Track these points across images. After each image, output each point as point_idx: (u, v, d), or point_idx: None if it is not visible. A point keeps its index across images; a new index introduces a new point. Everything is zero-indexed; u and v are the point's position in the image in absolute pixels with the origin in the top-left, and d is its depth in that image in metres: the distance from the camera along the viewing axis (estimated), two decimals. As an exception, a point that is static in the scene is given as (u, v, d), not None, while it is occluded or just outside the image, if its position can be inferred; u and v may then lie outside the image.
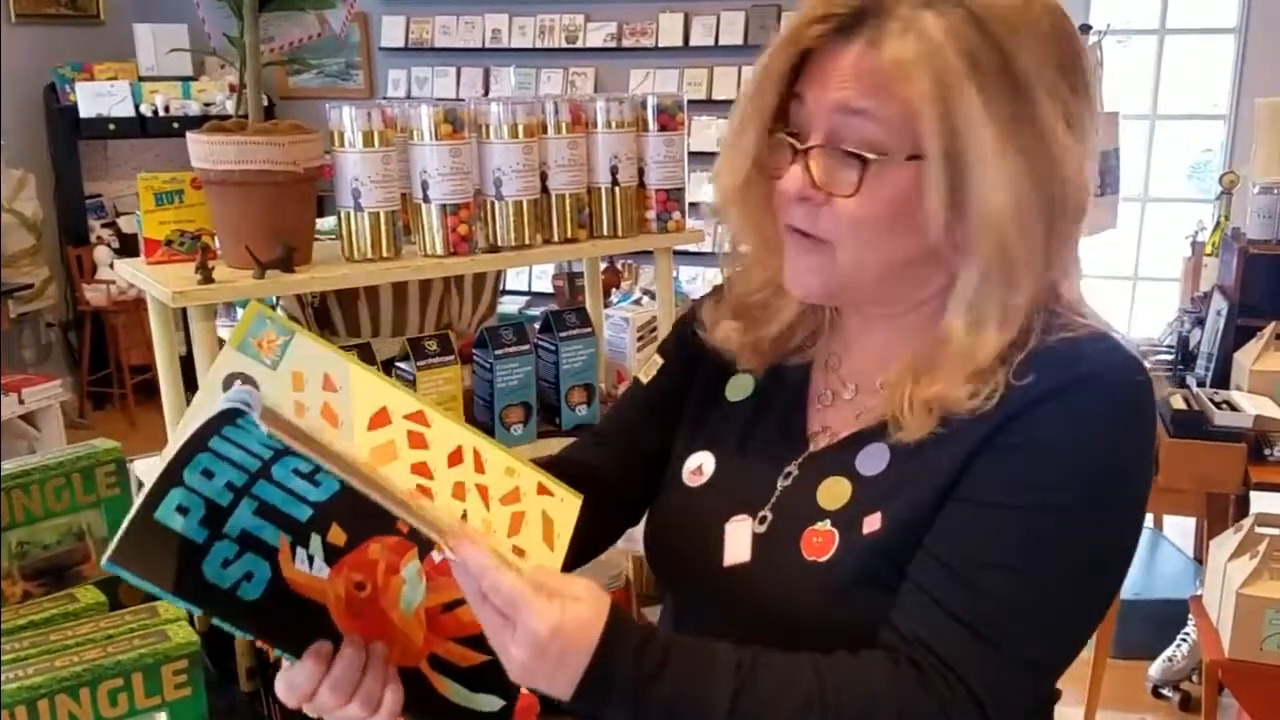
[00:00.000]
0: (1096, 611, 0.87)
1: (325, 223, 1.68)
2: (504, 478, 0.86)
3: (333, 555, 0.80)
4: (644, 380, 1.11)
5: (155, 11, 5.55)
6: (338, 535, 0.80)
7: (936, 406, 0.85)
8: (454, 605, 0.84)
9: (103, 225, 5.65)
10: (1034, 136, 0.81)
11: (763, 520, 0.95)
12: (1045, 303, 0.87)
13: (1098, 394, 0.83)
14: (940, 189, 0.82)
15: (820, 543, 0.89)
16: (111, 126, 5.40)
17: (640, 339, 1.82)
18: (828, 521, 0.90)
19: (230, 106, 5.17)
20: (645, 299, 2.26)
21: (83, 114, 5.37)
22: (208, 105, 5.48)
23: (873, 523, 0.87)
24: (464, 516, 0.83)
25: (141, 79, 5.51)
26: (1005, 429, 0.83)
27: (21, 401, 4.09)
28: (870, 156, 0.83)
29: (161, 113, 5.41)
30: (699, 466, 1.02)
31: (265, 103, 5.06)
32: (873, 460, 0.90)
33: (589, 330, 1.68)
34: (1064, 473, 0.82)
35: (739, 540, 0.94)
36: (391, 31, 5.85)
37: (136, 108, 5.43)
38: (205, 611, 0.79)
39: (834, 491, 0.91)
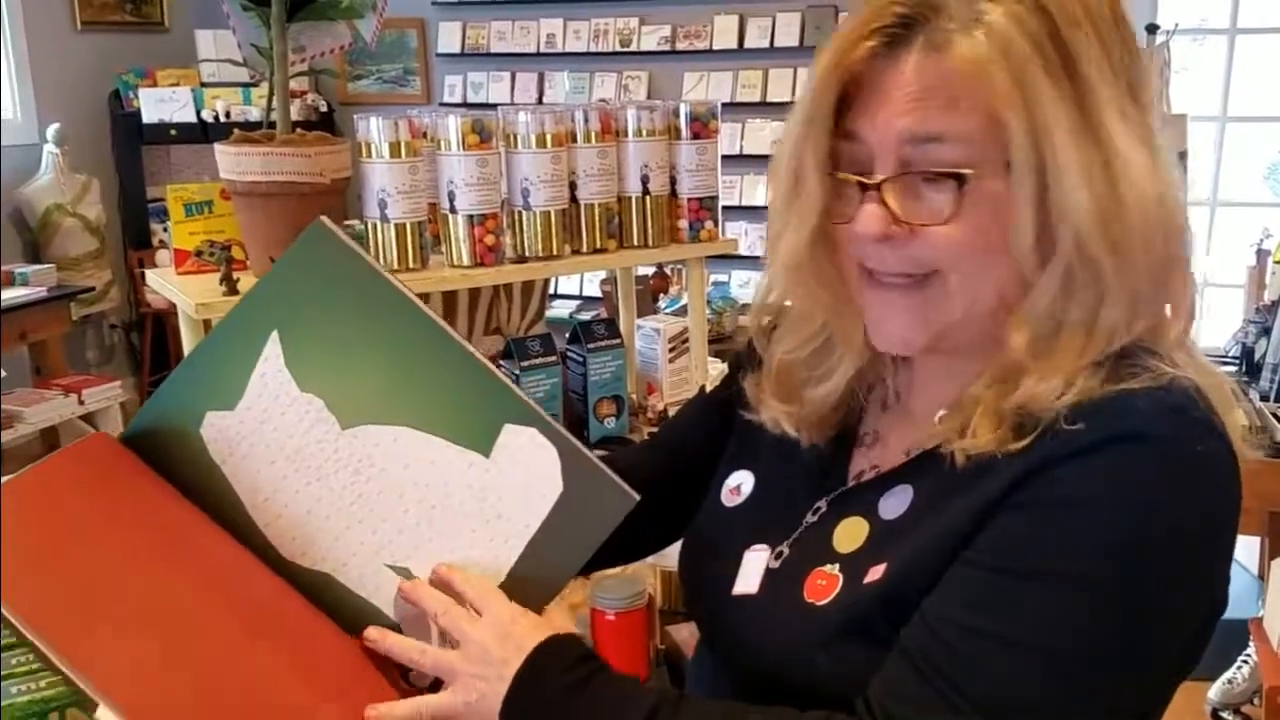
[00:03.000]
0: (1119, 705, 0.75)
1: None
2: None
3: None
4: (709, 388, 1.08)
5: (218, 18, 5.61)
6: None
7: (1011, 413, 0.75)
8: None
9: (165, 229, 5.75)
10: (1099, 131, 0.73)
11: (779, 555, 0.89)
12: (1132, 343, 0.76)
13: (1132, 455, 0.71)
14: (1030, 197, 0.73)
15: (824, 585, 0.82)
16: (173, 132, 5.48)
17: (672, 350, 1.80)
18: (837, 565, 0.83)
19: (295, 112, 5.21)
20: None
21: (145, 120, 5.45)
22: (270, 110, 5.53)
23: (877, 571, 0.79)
24: None
25: (203, 85, 5.59)
26: (1027, 481, 0.73)
27: (82, 402, 4.18)
28: (966, 173, 0.74)
29: (222, 118, 5.48)
30: (738, 485, 0.97)
31: (324, 108, 5.04)
32: (896, 502, 0.83)
33: (618, 341, 1.66)
34: (1083, 542, 0.71)
35: (751, 571, 0.89)
36: (448, 37, 5.87)
37: (198, 113, 5.51)
38: None
39: (851, 533, 0.84)
